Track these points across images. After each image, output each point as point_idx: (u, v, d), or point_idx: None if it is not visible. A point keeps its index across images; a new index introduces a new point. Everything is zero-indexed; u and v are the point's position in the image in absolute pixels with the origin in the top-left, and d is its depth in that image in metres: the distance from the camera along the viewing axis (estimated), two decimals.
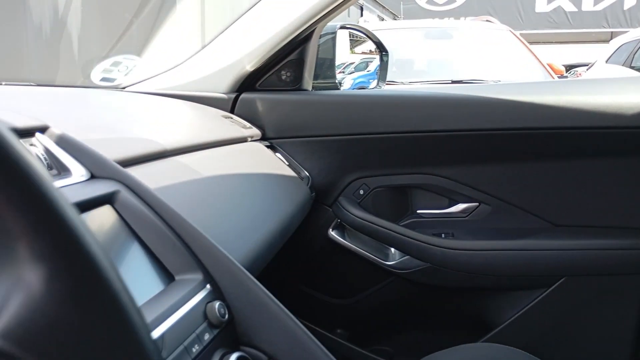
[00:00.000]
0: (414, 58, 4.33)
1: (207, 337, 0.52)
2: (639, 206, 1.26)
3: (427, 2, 15.55)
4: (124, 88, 1.29)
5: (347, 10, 1.50)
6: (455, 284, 1.31)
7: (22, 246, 0.24)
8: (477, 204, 1.33)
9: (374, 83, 1.94)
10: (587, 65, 7.95)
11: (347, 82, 4.53)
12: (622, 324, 1.28)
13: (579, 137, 1.24)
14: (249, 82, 1.29)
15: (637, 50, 5.69)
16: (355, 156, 1.31)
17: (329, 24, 1.34)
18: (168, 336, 0.48)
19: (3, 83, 1.04)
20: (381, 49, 1.73)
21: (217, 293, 0.57)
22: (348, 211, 1.31)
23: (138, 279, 0.54)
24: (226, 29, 1.29)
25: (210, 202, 0.81)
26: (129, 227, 0.57)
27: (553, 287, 1.26)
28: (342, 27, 1.54)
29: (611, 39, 8.53)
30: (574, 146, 1.26)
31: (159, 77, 1.30)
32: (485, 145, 1.28)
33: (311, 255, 1.39)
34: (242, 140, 1.16)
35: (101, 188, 0.56)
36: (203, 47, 1.31)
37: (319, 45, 1.36)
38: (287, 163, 1.24)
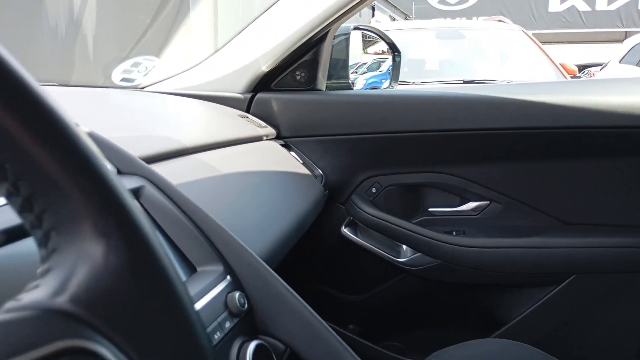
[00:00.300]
0: (426, 58, 4.32)
1: (227, 325, 0.54)
2: None
3: (439, 2, 15.46)
4: (143, 88, 1.32)
5: None
6: (466, 280, 1.32)
7: (88, 224, 0.28)
8: (488, 202, 1.34)
9: (386, 83, 1.96)
10: (601, 65, 7.87)
11: (359, 82, 4.52)
12: (631, 322, 1.28)
13: (590, 137, 1.24)
14: (264, 82, 1.31)
15: None
16: (367, 155, 1.33)
17: (343, 25, 1.36)
18: None
19: None
20: (394, 49, 1.75)
21: (236, 284, 0.59)
22: (361, 209, 1.33)
23: None
24: (242, 30, 1.31)
25: (229, 198, 0.84)
26: (154, 221, 0.59)
27: (563, 284, 1.27)
28: (356, 28, 1.56)
29: (625, 38, 8.45)
30: (585, 145, 1.26)
31: (177, 78, 1.33)
32: (496, 144, 1.29)
33: (324, 252, 1.41)
34: (258, 139, 1.18)
35: (127, 183, 0.59)
36: (220, 49, 1.33)
37: (332, 46, 1.38)
38: (301, 161, 1.26)
